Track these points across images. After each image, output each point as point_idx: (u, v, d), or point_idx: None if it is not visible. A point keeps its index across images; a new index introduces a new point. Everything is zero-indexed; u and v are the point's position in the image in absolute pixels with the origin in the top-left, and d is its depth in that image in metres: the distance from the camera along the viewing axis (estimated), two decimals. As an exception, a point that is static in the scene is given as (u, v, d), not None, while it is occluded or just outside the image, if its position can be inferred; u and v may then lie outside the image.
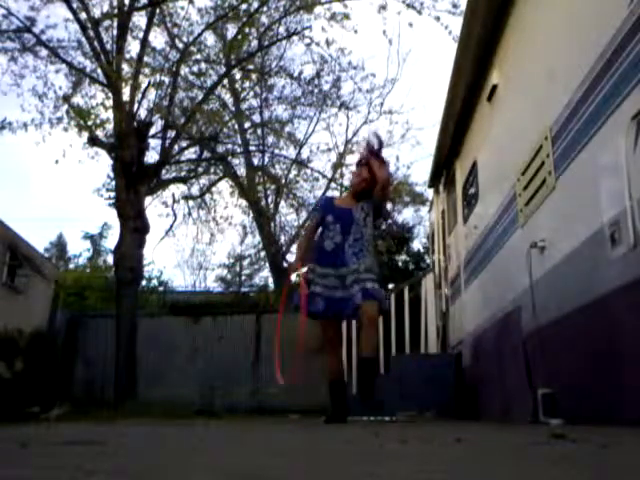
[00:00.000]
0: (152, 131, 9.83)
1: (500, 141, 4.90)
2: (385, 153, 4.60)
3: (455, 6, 8.94)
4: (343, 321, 4.29)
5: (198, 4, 11.33)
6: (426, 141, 21.73)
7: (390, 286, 9.78)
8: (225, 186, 13.56)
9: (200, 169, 12.51)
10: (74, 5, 9.18)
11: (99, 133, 9.37)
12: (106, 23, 9.45)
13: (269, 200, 14.36)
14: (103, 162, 20.99)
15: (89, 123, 9.08)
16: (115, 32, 9.46)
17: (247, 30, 10.14)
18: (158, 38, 18.17)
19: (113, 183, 10.07)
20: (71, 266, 25.83)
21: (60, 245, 34.44)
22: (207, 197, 13.43)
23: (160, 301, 14.19)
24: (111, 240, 21.41)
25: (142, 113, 9.56)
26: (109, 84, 9.06)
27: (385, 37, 12.33)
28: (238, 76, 11.98)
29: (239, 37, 10.15)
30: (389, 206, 15.55)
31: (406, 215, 30.20)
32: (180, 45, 10.60)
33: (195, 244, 14.66)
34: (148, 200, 10.71)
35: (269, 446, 1.92)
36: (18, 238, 11.72)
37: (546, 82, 3.70)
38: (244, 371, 9.97)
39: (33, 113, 9.98)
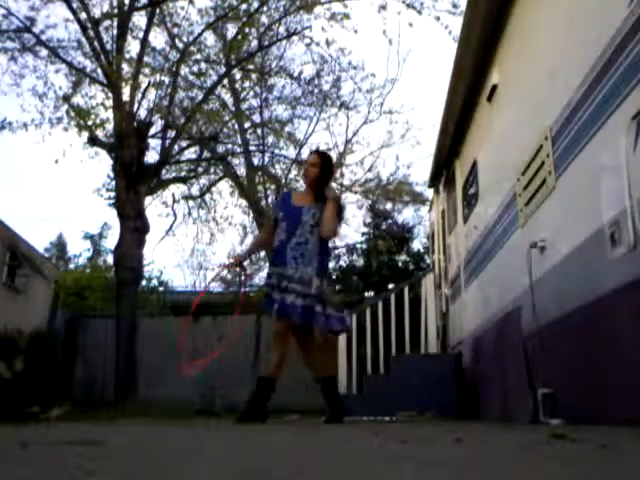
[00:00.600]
0: (152, 131, 9.85)
1: (500, 141, 4.90)
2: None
3: (455, 6, 8.98)
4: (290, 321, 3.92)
5: (198, 4, 11.36)
6: (426, 141, 21.70)
7: (390, 286, 9.78)
8: (225, 186, 13.58)
9: (200, 169, 12.53)
10: (74, 5, 9.20)
11: (99, 133, 9.39)
12: (106, 23, 9.47)
13: (269, 200, 14.37)
14: (103, 162, 20.97)
15: (89, 123, 9.09)
16: (115, 32, 9.47)
17: (247, 30, 10.14)
18: (158, 38, 18.21)
19: (113, 183, 10.08)
20: (71, 266, 25.84)
21: (60, 245, 34.47)
22: (207, 197, 13.45)
23: (160, 301, 14.18)
24: (111, 240, 21.45)
25: (142, 113, 9.58)
26: (109, 84, 9.07)
27: (385, 37, 12.34)
28: (238, 76, 12.00)
29: (239, 37, 10.16)
30: (389, 205, 15.57)
31: (406, 215, 30.22)
32: (180, 45, 10.61)
33: (195, 244, 14.66)
34: (148, 200, 10.74)
35: (269, 446, 1.92)
36: (18, 238, 11.72)
37: (546, 82, 3.69)
38: (244, 371, 9.97)
39: (33, 113, 10.03)
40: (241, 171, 13.35)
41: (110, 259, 18.05)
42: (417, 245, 15.75)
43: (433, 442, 2.01)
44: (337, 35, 32.07)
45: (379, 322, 6.61)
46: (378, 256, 11.49)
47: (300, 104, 13.00)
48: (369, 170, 14.39)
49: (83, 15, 9.27)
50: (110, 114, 9.16)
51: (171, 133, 10.37)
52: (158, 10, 9.98)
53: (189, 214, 13.43)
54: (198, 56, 10.64)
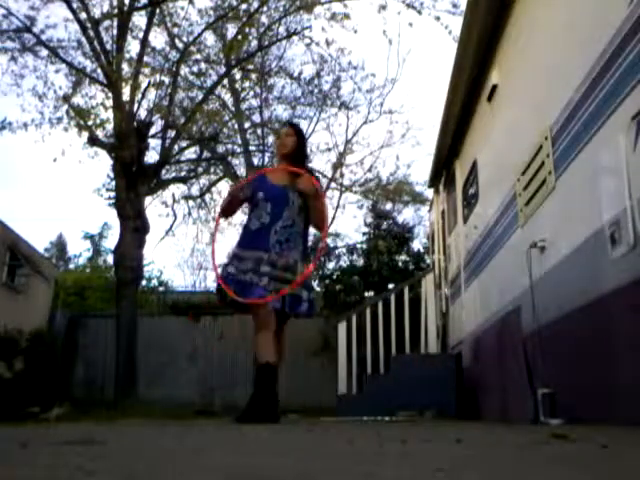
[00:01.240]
0: (152, 131, 9.85)
1: (500, 141, 4.90)
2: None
3: (455, 6, 8.97)
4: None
5: (198, 4, 11.36)
6: (426, 141, 21.74)
7: (390, 286, 9.77)
8: (225, 186, 13.58)
9: (200, 169, 12.53)
10: (74, 5, 9.19)
11: (99, 133, 9.39)
12: (106, 23, 9.46)
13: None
14: (103, 162, 21.00)
15: (89, 123, 9.09)
16: (115, 32, 9.47)
17: (247, 30, 10.14)
18: (158, 38, 18.19)
19: (113, 183, 10.08)
20: (71, 266, 25.87)
21: (60, 245, 34.49)
22: (207, 197, 13.45)
23: (160, 301, 14.18)
24: (111, 240, 21.44)
25: (142, 113, 9.58)
26: (109, 84, 9.06)
27: (385, 37, 12.35)
28: (238, 76, 11.99)
29: (239, 37, 10.15)
30: (389, 205, 15.56)
31: (406, 215, 30.25)
32: (180, 45, 10.61)
33: (195, 244, 14.67)
34: (148, 200, 10.74)
35: (269, 446, 1.92)
36: (18, 238, 11.73)
37: (546, 82, 3.70)
38: (244, 371, 9.97)
39: (33, 113, 10.04)
40: (241, 171, 13.35)
41: (110, 259, 18.08)
42: (417, 245, 15.75)
43: (433, 442, 2.01)
44: (337, 35, 32.09)
45: (379, 322, 6.61)
46: (378, 256, 11.47)
47: (300, 104, 13.01)
48: (369, 170, 14.41)
49: (83, 15, 9.27)
50: (110, 114, 9.17)
51: (171, 133, 10.37)
52: (158, 10, 9.98)
53: (189, 214, 13.44)
54: (198, 56, 10.65)
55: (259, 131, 13.36)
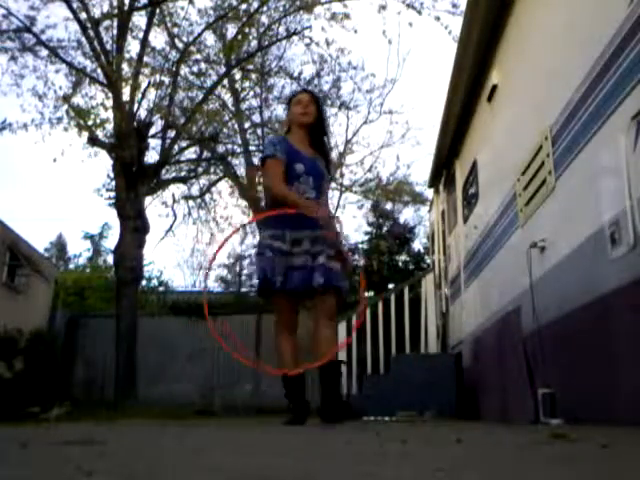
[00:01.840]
0: (152, 131, 9.86)
1: (500, 141, 4.90)
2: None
3: (455, 6, 8.99)
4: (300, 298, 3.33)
5: (198, 4, 11.35)
6: (426, 141, 21.72)
7: (390, 286, 9.78)
8: (225, 186, 13.59)
9: (200, 169, 12.54)
10: (74, 5, 9.20)
11: (99, 133, 9.40)
12: (106, 23, 9.47)
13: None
14: (103, 162, 20.99)
15: (89, 123, 9.10)
16: (115, 32, 9.48)
17: (247, 30, 10.15)
18: (158, 38, 18.17)
19: (113, 183, 10.08)
20: (71, 266, 25.87)
21: (60, 245, 34.48)
22: (207, 197, 13.45)
23: (160, 301, 14.19)
24: (111, 240, 21.43)
25: (142, 113, 9.59)
26: (109, 84, 9.07)
27: (385, 37, 12.36)
28: (238, 76, 12.00)
29: (239, 37, 10.16)
30: (389, 205, 15.56)
31: (406, 215, 30.23)
32: (180, 45, 10.61)
33: (195, 244, 14.68)
34: (148, 200, 10.75)
35: (269, 446, 1.92)
36: (18, 238, 11.73)
37: (546, 82, 3.70)
38: (244, 371, 9.97)
39: (33, 113, 10.04)
40: (241, 171, 13.37)
41: (110, 259, 18.07)
42: (417, 245, 15.77)
43: (433, 442, 2.01)
44: (337, 35, 32.08)
45: (379, 322, 6.61)
46: (379, 256, 11.49)
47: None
48: (369, 170, 14.41)
49: (83, 15, 9.28)
50: (110, 114, 9.18)
51: (171, 133, 10.38)
52: (158, 10, 9.99)
53: (189, 214, 13.45)
54: (198, 56, 10.66)
55: (259, 131, 13.38)
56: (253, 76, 12.16)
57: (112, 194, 10.53)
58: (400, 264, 14.48)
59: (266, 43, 10.92)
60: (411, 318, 6.73)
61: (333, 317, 3.25)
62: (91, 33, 9.27)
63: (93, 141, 9.37)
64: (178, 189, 12.88)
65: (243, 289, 18.79)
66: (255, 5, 9.89)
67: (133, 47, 12.71)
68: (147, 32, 9.74)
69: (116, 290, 9.34)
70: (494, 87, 4.89)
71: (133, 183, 9.07)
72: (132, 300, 9.13)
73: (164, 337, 10.62)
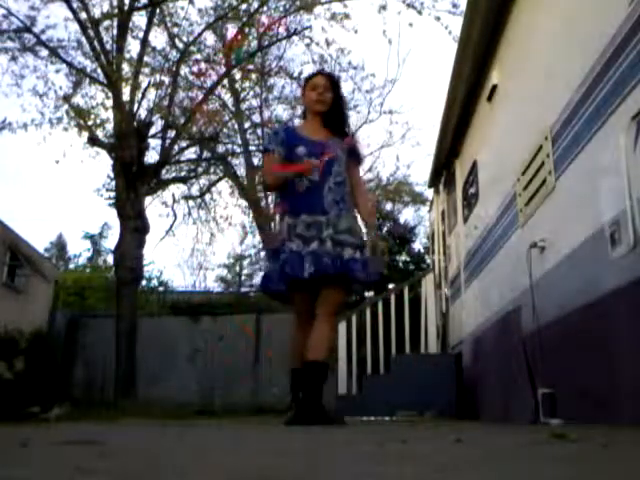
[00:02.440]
0: (152, 131, 9.86)
1: (500, 141, 4.90)
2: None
3: (455, 6, 8.99)
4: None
5: (198, 4, 11.36)
6: (426, 141, 21.76)
7: (390, 286, 9.78)
8: (225, 186, 13.59)
9: (200, 169, 12.55)
10: (74, 5, 9.20)
11: (99, 133, 9.41)
12: (106, 23, 9.47)
13: (269, 200, 14.37)
14: (103, 162, 20.98)
15: (89, 123, 9.10)
16: (115, 32, 9.48)
17: (247, 30, 10.15)
18: (158, 38, 18.18)
19: (113, 183, 10.09)
20: (71, 266, 25.87)
21: (60, 245, 34.49)
22: (207, 197, 13.46)
23: (160, 301, 14.20)
24: (111, 240, 21.47)
25: (142, 113, 9.59)
26: (109, 84, 9.07)
27: (385, 37, 12.36)
28: (238, 76, 12.00)
29: (239, 37, 10.16)
30: (389, 206, 15.56)
31: (406, 215, 30.23)
32: (180, 45, 10.61)
33: (195, 244, 14.69)
34: (148, 200, 10.76)
35: (269, 446, 1.92)
36: (18, 238, 11.72)
37: (546, 82, 3.69)
38: (244, 371, 9.97)
39: (33, 113, 10.06)
40: (241, 171, 13.37)
41: (110, 259, 18.09)
42: (417, 245, 15.77)
43: (433, 442, 2.01)
44: (337, 35, 32.06)
45: (379, 322, 6.61)
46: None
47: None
48: (369, 170, 14.41)
49: (83, 15, 9.28)
50: (110, 114, 9.18)
51: (171, 133, 10.39)
52: (158, 10, 9.99)
53: (189, 214, 13.47)
54: (198, 56, 10.66)
55: (259, 131, 13.38)
56: (253, 76, 12.17)
57: (112, 194, 10.54)
58: (400, 264, 14.48)
59: (266, 43, 10.92)
60: (411, 318, 6.73)
61: (333, 313, 3.17)
62: (91, 33, 9.27)
63: (93, 141, 9.38)
64: (178, 189, 12.91)
65: (243, 289, 18.80)
66: (255, 5, 9.90)
67: (133, 47, 12.72)
68: (147, 32, 9.74)
69: (116, 290, 9.34)
70: (494, 87, 4.89)
71: (133, 183, 9.07)
72: (132, 300, 9.13)
73: (164, 337, 10.62)
